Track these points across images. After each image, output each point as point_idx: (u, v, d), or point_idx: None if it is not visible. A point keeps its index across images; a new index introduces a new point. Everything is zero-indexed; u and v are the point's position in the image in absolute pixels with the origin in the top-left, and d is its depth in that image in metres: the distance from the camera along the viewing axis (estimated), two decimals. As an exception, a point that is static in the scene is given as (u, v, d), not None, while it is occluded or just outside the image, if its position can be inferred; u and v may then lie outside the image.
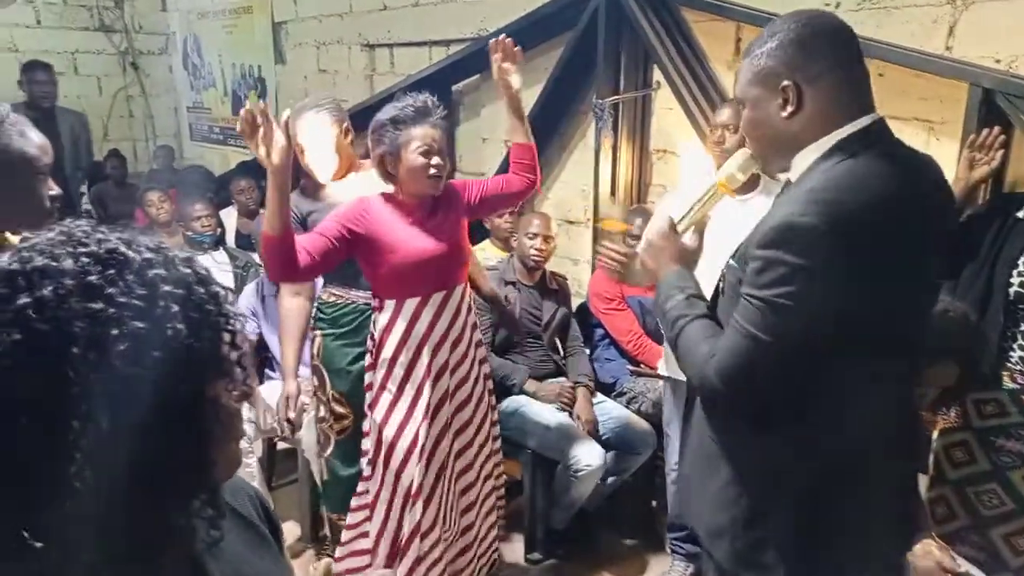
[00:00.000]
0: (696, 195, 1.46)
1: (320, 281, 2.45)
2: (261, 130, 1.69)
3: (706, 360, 1.20)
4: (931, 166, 1.26)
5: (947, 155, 2.32)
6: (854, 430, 1.21)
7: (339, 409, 2.37)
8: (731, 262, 1.27)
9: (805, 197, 1.13)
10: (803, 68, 1.17)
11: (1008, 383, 1.95)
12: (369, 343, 2.15)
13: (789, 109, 1.19)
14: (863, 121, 1.18)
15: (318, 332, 2.40)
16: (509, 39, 2.12)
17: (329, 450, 2.43)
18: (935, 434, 2.10)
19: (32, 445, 0.59)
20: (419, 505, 2.08)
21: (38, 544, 0.59)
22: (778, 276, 1.11)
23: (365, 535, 2.22)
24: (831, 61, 1.17)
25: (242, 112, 1.70)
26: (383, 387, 2.10)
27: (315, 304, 2.44)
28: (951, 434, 2.05)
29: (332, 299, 2.39)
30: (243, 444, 2.38)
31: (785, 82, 1.18)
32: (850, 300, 1.10)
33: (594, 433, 2.70)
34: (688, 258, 1.39)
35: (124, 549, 0.63)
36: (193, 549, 0.72)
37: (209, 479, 0.70)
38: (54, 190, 1.49)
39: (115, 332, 0.60)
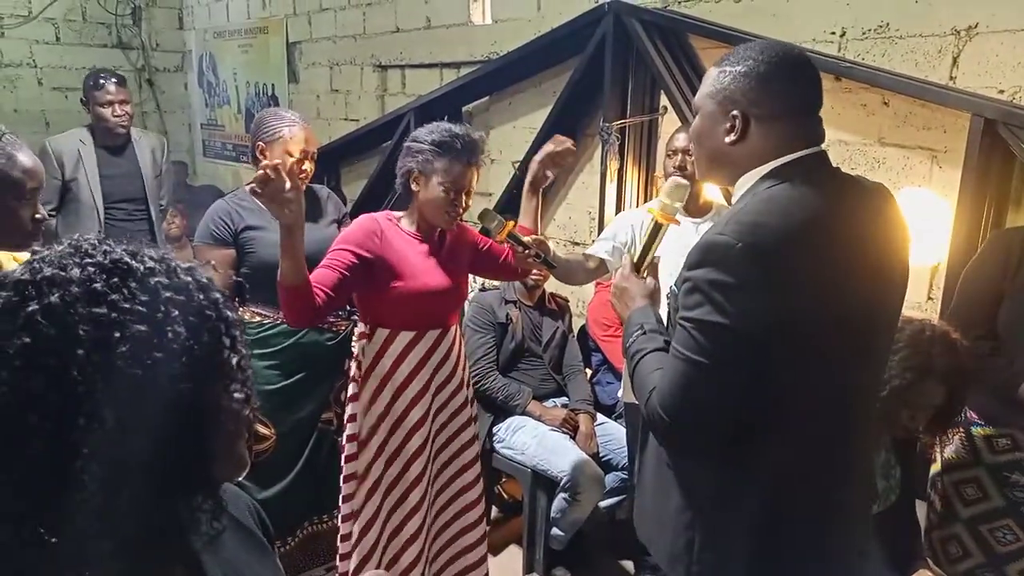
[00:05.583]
0: (644, 234, 1.48)
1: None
2: (273, 187, 1.65)
3: (652, 391, 1.18)
4: (876, 193, 1.26)
5: (949, 183, 2.34)
6: (805, 455, 1.20)
7: (262, 430, 2.21)
8: (673, 287, 1.27)
9: (729, 218, 1.14)
10: (757, 104, 1.18)
11: None
12: (354, 370, 2.08)
13: (732, 137, 1.20)
14: (802, 152, 1.19)
15: None
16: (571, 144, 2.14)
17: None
18: (936, 466, 2.07)
19: (41, 442, 0.62)
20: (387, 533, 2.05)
21: (53, 540, 0.62)
22: (703, 295, 1.12)
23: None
24: (786, 104, 1.18)
25: (257, 174, 1.65)
26: (365, 415, 2.05)
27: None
28: (961, 470, 2.00)
29: (257, 319, 2.32)
30: None
31: (735, 112, 1.19)
32: (778, 316, 1.10)
33: (595, 456, 2.71)
34: (653, 295, 1.40)
35: (131, 540, 0.65)
36: (195, 543, 0.73)
37: (209, 476, 0.72)
38: (40, 213, 1.54)
39: (118, 335, 0.64)
